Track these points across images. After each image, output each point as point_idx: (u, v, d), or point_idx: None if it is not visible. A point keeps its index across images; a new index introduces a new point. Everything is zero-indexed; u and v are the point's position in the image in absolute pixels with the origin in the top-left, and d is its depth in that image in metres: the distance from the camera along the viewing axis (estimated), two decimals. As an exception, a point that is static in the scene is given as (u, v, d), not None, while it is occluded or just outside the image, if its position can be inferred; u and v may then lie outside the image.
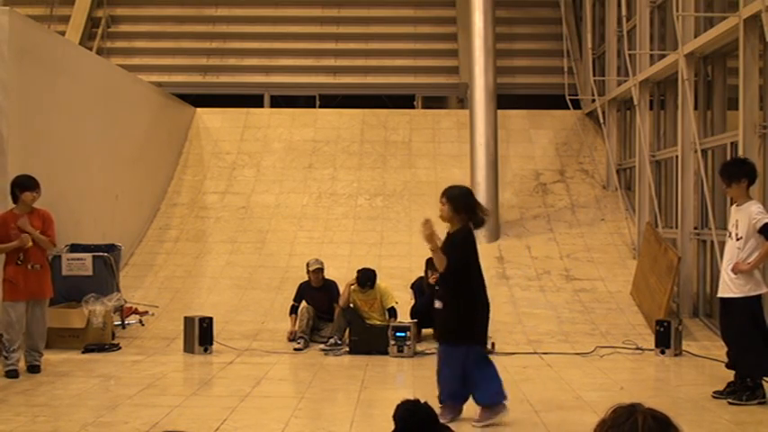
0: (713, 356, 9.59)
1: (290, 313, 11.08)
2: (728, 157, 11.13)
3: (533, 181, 16.20)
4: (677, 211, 12.28)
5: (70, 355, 9.78)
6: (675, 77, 12.32)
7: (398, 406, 4.42)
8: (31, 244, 8.67)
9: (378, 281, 10.71)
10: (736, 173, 7.68)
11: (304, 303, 10.98)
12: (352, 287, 10.66)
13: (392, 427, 4.41)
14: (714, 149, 11.72)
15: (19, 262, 8.65)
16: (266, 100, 19.23)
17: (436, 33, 19.83)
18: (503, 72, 16.85)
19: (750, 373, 7.60)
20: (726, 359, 7.93)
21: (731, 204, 7.96)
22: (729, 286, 7.63)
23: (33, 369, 8.78)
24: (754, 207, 7.56)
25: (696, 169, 11.74)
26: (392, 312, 10.68)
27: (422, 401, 4.44)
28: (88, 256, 10.92)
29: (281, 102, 19.31)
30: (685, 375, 9.36)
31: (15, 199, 8.78)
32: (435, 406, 4.54)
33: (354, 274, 10.77)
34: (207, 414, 7.11)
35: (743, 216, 7.58)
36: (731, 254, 7.66)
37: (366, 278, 10.56)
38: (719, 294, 7.84)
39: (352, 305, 10.61)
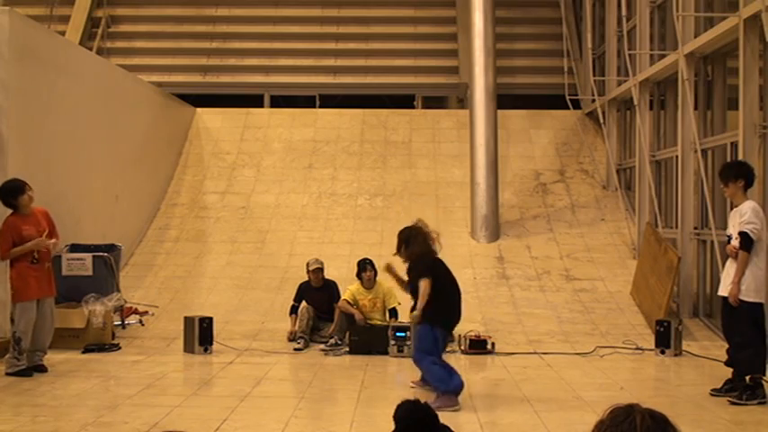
0: (713, 356, 9.59)
1: (290, 313, 11.08)
2: (729, 158, 11.16)
3: (533, 181, 16.20)
4: (677, 211, 12.28)
5: (70, 355, 9.78)
6: (675, 77, 12.32)
7: (398, 406, 4.42)
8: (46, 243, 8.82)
9: (380, 279, 10.72)
10: (732, 173, 7.76)
11: (304, 303, 10.98)
12: (356, 288, 10.67)
13: (392, 427, 4.41)
14: (714, 149, 11.72)
15: (34, 261, 8.69)
16: (266, 100, 19.23)
17: (436, 33, 19.82)
18: (503, 72, 16.86)
19: (747, 370, 7.60)
20: (726, 357, 7.95)
21: (731, 208, 8.00)
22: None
23: (41, 368, 8.79)
24: (745, 206, 7.61)
25: (696, 169, 11.75)
26: (393, 313, 10.70)
27: (422, 401, 4.44)
28: (88, 256, 10.92)
29: (281, 102, 19.31)
30: (685, 375, 9.36)
31: (12, 207, 8.75)
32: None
33: (354, 281, 10.88)
34: (207, 414, 7.11)
35: (737, 215, 7.62)
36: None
37: (366, 261, 10.61)
38: (721, 293, 7.83)
39: (353, 304, 10.60)
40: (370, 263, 10.68)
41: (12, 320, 8.76)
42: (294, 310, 11.06)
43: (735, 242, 7.59)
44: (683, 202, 12.09)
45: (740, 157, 9.80)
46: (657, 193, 13.44)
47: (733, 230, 7.70)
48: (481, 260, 13.90)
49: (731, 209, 8.12)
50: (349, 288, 10.77)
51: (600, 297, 12.75)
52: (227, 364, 9.51)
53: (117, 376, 8.90)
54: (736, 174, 7.74)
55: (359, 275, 10.77)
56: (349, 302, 10.57)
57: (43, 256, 8.82)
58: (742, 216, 7.55)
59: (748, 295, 7.54)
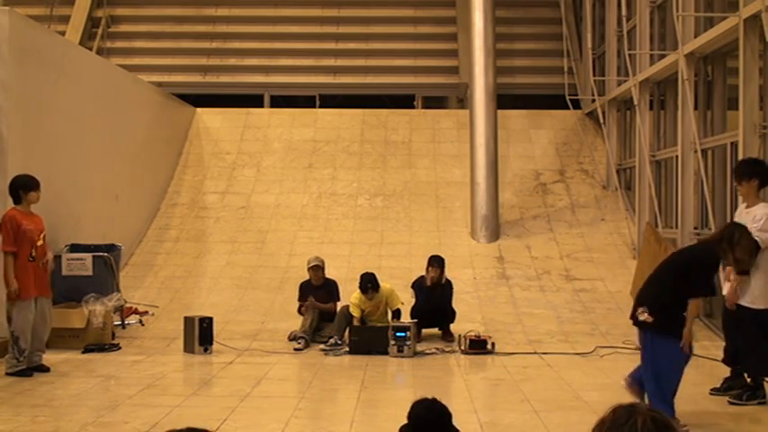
0: (713, 356, 9.57)
1: (300, 313, 11.04)
2: (729, 158, 11.16)
3: (533, 181, 16.20)
4: (677, 211, 12.28)
5: (70, 355, 9.78)
6: (675, 77, 12.32)
7: (414, 404, 4.43)
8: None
9: (381, 283, 10.70)
10: (748, 172, 7.63)
11: (308, 303, 10.97)
12: (359, 298, 10.62)
13: (393, 427, 4.42)
14: (714, 149, 11.72)
15: (31, 258, 8.69)
16: (266, 100, 19.23)
17: (436, 33, 19.83)
18: (503, 72, 16.86)
19: (755, 373, 7.59)
20: (723, 355, 7.94)
21: (742, 203, 7.88)
22: (741, 295, 7.54)
23: (42, 368, 8.78)
24: (759, 210, 7.50)
25: (696, 169, 11.74)
26: (397, 313, 10.70)
27: (438, 401, 4.45)
28: (88, 256, 10.92)
29: (281, 102, 19.32)
30: (685, 375, 9.33)
31: (19, 199, 8.80)
32: (449, 404, 4.54)
33: (354, 281, 10.83)
34: (207, 414, 7.11)
35: (749, 219, 7.51)
36: None
37: (367, 281, 10.54)
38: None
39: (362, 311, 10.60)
40: (372, 286, 10.57)
41: (9, 319, 8.73)
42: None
43: None
44: (683, 202, 12.09)
45: (740, 158, 9.80)
46: (657, 193, 13.44)
47: None
48: (481, 260, 13.90)
49: (732, 208, 8.07)
50: (352, 302, 10.68)
51: (600, 297, 12.75)
52: (227, 364, 9.50)
53: (117, 376, 8.89)
54: (750, 173, 7.59)
55: (361, 289, 10.69)
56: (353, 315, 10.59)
57: (39, 254, 8.81)
58: (755, 221, 7.36)
59: (755, 302, 7.45)
